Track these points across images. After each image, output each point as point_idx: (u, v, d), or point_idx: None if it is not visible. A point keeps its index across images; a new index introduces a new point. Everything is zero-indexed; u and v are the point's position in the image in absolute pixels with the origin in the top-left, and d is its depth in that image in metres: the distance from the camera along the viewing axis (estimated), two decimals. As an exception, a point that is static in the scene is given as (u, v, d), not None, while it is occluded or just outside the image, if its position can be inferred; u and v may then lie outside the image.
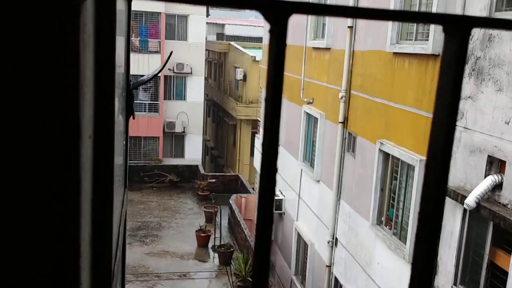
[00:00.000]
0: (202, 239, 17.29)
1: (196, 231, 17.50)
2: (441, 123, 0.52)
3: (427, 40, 7.43)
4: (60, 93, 0.42)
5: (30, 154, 0.44)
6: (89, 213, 0.60)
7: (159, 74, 24.88)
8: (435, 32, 7.11)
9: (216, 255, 16.49)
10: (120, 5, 1.25)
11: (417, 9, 7.88)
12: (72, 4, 0.41)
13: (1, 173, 0.43)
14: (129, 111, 1.57)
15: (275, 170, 0.49)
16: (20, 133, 0.44)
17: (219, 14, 43.50)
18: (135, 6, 23.78)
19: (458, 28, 0.50)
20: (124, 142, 1.58)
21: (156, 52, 25.12)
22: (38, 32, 0.41)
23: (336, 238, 10.67)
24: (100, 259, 0.72)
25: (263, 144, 0.48)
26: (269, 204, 0.50)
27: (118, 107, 1.36)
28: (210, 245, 17.34)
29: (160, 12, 25.01)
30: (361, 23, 9.69)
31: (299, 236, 12.95)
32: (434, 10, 7.13)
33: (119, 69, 1.39)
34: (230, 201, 18.80)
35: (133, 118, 1.66)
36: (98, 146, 0.62)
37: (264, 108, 0.50)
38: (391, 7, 8.31)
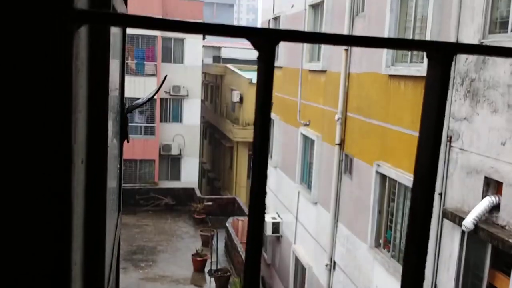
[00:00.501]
0: (199, 264, 17.09)
1: (192, 255, 17.31)
2: (426, 146, 0.53)
3: (422, 62, 7.53)
4: (52, 119, 0.43)
5: (21, 179, 0.44)
6: (81, 237, 0.60)
7: (154, 97, 25.00)
8: (429, 55, 7.19)
9: (213, 279, 16.28)
10: (115, 29, 1.27)
11: (411, 31, 8.00)
12: (65, 32, 0.42)
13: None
14: (123, 135, 1.58)
15: (264, 193, 0.50)
16: (11, 158, 0.44)
17: (216, 37, 43.96)
18: (131, 30, 24.05)
19: (441, 54, 0.51)
20: (118, 166, 1.58)
21: (152, 75, 25.28)
22: (31, 59, 0.42)
23: (334, 261, 10.58)
24: (93, 283, 0.71)
25: (253, 167, 0.49)
26: (259, 228, 0.50)
27: (112, 131, 1.37)
28: (206, 269, 17.13)
29: (156, 36, 25.28)
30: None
31: (296, 260, 12.83)
32: (428, 32, 7.24)
33: (114, 92, 1.41)
34: (227, 224, 18.67)
35: (127, 141, 1.66)
36: (91, 170, 0.63)
37: (253, 132, 0.51)
38: (386, 29, 8.44)
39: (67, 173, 0.48)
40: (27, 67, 0.42)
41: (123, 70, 1.66)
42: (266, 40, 0.47)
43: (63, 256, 0.47)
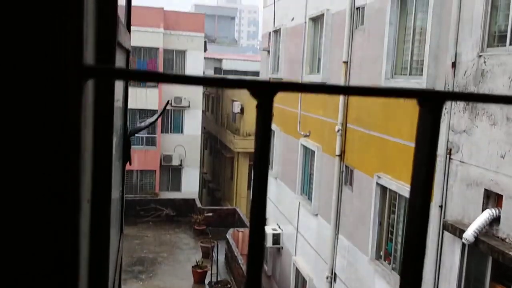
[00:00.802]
0: (199, 275, 17.02)
1: (193, 267, 17.24)
2: (418, 192, 0.55)
3: (421, 75, 7.57)
4: (61, 164, 0.45)
5: (30, 222, 0.46)
6: (86, 272, 0.63)
7: (156, 107, 25.06)
8: (429, 67, 7.25)
9: (213, 291, 16.20)
10: (118, 60, 1.30)
11: (410, 44, 8.05)
12: (75, 86, 0.45)
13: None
14: (126, 158, 1.60)
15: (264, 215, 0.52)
16: (20, 201, 0.47)
17: (217, 49, 44.23)
18: (133, 42, 24.17)
19: (432, 102, 0.54)
20: (121, 188, 1.61)
21: (154, 86, 25.38)
22: (43, 110, 0.44)
23: (335, 273, 10.54)
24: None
25: (251, 215, 0.51)
26: (260, 239, 0.52)
27: (115, 155, 1.39)
28: (206, 281, 17.05)
29: (158, 48, 25.42)
30: (356, 58, 9.87)
31: (297, 271, 12.78)
32: (427, 45, 7.29)
33: (118, 118, 1.44)
34: (227, 236, 18.61)
35: (130, 164, 1.68)
36: (95, 208, 0.65)
37: (252, 181, 0.54)
38: (385, 42, 8.50)
39: (75, 215, 0.50)
40: (38, 119, 0.45)
41: (127, 92, 1.69)
42: (264, 91, 0.50)
43: None
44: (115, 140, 1.36)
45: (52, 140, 0.46)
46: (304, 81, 12.59)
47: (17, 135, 0.45)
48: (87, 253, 0.62)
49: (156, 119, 2.61)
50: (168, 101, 3.52)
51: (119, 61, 1.27)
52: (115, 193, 1.35)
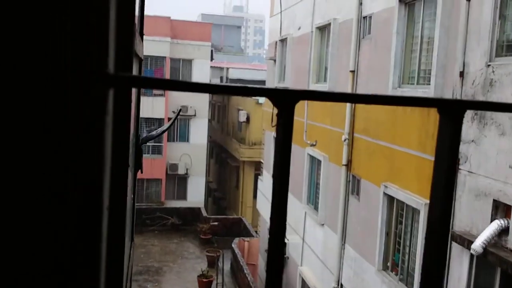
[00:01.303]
0: (204, 285, 16.95)
1: (198, 276, 17.19)
2: (438, 197, 0.55)
3: (429, 84, 7.56)
4: (86, 171, 0.45)
5: (58, 230, 0.46)
6: (104, 277, 0.63)
7: (162, 116, 25.16)
8: (437, 76, 7.23)
9: (219, 300, 16.13)
10: (134, 69, 1.31)
11: (418, 53, 8.05)
12: (100, 94, 0.45)
13: (25, 253, 0.46)
14: (137, 166, 1.61)
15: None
16: (45, 207, 0.47)
17: (223, 58, 44.43)
18: (141, 51, 24.33)
19: (452, 112, 0.54)
20: (132, 196, 1.61)
21: (160, 95, 25.51)
22: (67, 119, 0.45)
23: (341, 284, 10.46)
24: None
25: (270, 229, 0.51)
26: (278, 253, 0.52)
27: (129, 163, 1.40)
28: (212, 290, 16.98)
29: (165, 57, 25.58)
30: (363, 67, 9.88)
31: (303, 282, 12.70)
32: (435, 54, 7.28)
33: (131, 127, 1.44)
34: (233, 245, 18.55)
35: (141, 172, 1.69)
36: (112, 215, 0.65)
37: (272, 185, 0.54)
38: (392, 52, 8.50)
39: (98, 220, 0.50)
40: (64, 127, 0.45)
41: (139, 101, 1.70)
42: (285, 99, 0.50)
43: None
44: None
45: (77, 149, 0.46)
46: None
47: (43, 144, 0.45)
48: (105, 261, 0.62)
49: (169, 127, 2.62)
50: (181, 109, 3.55)
51: (134, 70, 1.28)
52: (128, 201, 1.36)
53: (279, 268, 0.50)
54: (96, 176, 0.47)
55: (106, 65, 0.46)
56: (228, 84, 0.49)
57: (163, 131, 2.73)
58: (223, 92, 0.49)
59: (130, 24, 0.76)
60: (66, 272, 0.47)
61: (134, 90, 1.43)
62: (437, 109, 0.56)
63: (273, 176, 0.52)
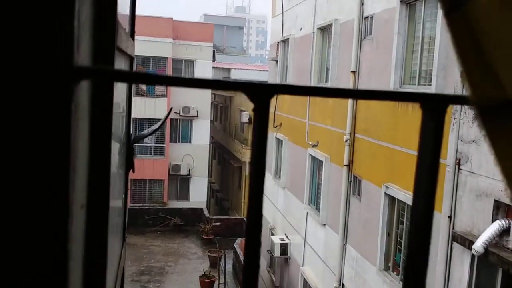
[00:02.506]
0: (206, 285, 16.95)
1: (200, 276, 17.18)
2: (420, 198, 0.54)
3: (430, 84, 7.53)
4: (48, 168, 0.44)
5: (19, 227, 0.45)
6: (80, 280, 0.61)
7: (163, 116, 25.14)
8: (438, 76, 7.21)
9: (221, 301, 16.11)
10: (122, 66, 1.30)
11: (419, 53, 8.02)
12: (65, 88, 0.44)
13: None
14: (129, 166, 1.60)
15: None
16: (8, 205, 0.46)
17: (225, 59, 44.45)
18: (142, 51, 24.37)
19: (435, 105, 0.52)
20: (123, 196, 1.60)
21: (162, 96, 25.53)
22: (31, 114, 0.44)
23: (343, 284, 10.44)
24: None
25: (247, 220, 0.50)
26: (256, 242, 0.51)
27: (118, 162, 1.38)
28: (214, 290, 16.97)
29: (167, 57, 25.59)
30: (364, 68, 9.86)
31: (305, 282, 12.67)
32: (436, 54, 7.25)
33: (121, 125, 1.43)
34: (235, 245, 18.55)
35: (133, 171, 1.68)
36: (92, 212, 0.64)
37: (249, 181, 0.52)
38: (394, 52, 8.48)
39: (63, 219, 0.49)
40: (26, 122, 0.44)
41: (130, 100, 1.69)
42: (261, 94, 0.49)
43: None
44: (118, 147, 1.35)
45: (40, 141, 0.45)
46: (312, 91, 12.59)
47: (3, 135, 0.44)
48: (82, 259, 0.61)
49: (160, 127, 2.61)
50: (171, 108, 3.54)
51: (122, 67, 1.27)
52: (117, 201, 1.34)
53: (257, 249, 0.49)
54: (61, 172, 0.45)
55: (71, 56, 0.45)
56: (199, 77, 0.48)
57: (154, 131, 2.72)
58: (195, 85, 0.48)
59: (111, 19, 0.74)
60: (27, 273, 0.46)
61: (123, 87, 1.42)
62: (420, 104, 0.54)
63: (250, 173, 0.51)
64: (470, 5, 0.49)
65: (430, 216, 0.57)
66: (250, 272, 0.49)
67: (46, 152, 0.44)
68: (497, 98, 0.51)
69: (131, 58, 1.51)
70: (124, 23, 1.35)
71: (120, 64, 1.18)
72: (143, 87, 25.55)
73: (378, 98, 0.52)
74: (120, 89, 1.35)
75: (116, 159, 1.26)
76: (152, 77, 0.46)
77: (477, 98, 0.51)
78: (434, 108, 0.52)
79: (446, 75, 7.09)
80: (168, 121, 25.69)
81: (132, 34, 1.58)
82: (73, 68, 0.44)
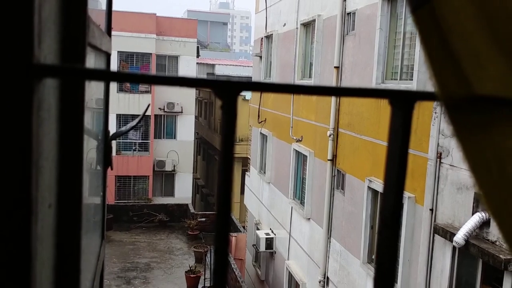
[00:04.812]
0: (192, 280, 16.94)
1: (186, 272, 17.17)
2: (390, 191, 0.54)
3: (412, 79, 7.60)
4: (8, 171, 0.43)
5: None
6: (50, 281, 0.60)
7: (149, 114, 25.00)
8: (419, 72, 7.28)
9: (207, 296, 16.12)
10: (98, 64, 1.28)
11: (400, 49, 8.09)
12: (24, 87, 0.43)
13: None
14: (107, 162, 1.58)
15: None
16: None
17: (210, 55, 44.27)
18: (126, 47, 24.14)
19: (403, 101, 0.52)
20: (102, 193, 1.58)
21: (146, 92, 25.33)
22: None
23: (328, 277, 10.52)
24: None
25: (216, 218, 0.49)
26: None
27: (96, 159, 1.37)
28: (200, 286, 16.97)
29: (151, 53, 25.39)
30: (347, 63, 9.91)
31: (290, 276, 12.75)
32: (417, 49, 7.32)
33: (98, 119, 1.41)
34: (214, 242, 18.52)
35: (111, 169, 1.67)
36: (62, 212, 0.63)
37: (217, 176, 0.52)
38: (376, 47, 8.53)
39: (26, 218, 0.48)
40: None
41: (108, 94, 1.66)
42: (227, 90, 0.48)
43: None
44: (94, 144, 1.34)
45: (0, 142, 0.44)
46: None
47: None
48: (53, 259, 0.60)
49: (137, 123, 2.60)
50: (149, 104, 3.52)
51: (97, 64, 1.25)
52: (94, 198, 1.33)
53: (226, 235, 0.49)
54: (22, 171, 0.44)
55: (31, 54, 0.44)
56: (166, 75, 0.47)
57: (132, 127, 2.71)
58: (162, 83, 0.48)
59: (81, 15, 0.73)
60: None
61: (100, 83, 1.40)
62: (388, 100, 0.55)
63: (218, 168, 0.51)
64: (437, 1, 0.50)
65: (399, 210, 0.57)
66: (220, 261, 0.49)
67: (5, 151, 0.43)
68: (465, 94, 0.51)
69: (107, 55, 1.49)
70: (100, 19, 1.33)
71: (94, 61, 1.16)
72: (127, 84, 25.31)
73: (348, 94, 0.53)
74: (97, 85, 1.33)
75: (92, 155, 1.24)
76: (114, 74, 0.45)
77: (445, 94, 0.52)
78: (402, 104, 0.52)
79: (428, 70, 7.16)
80: (152, 117, 25.54)
81: (108, 30, 1.56)
82: (33, 65, 0.43)
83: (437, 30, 0.50)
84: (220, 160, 0.52)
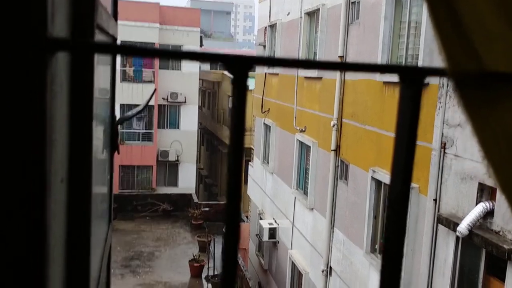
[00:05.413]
0: (196, 269, 17.05)
1: (190, 261, 17.28)
2: (398, 175, 0.55)
3: (416, 69, 7.55)
4: (23, 144, 0.44)
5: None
6: (61, 262, 0.61)
7: (153, 104, 25.00)
8: (424, 61, 7.24)
9: (210, 285, 16.24)
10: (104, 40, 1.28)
11: (405, 38, 8.04)
12: (39, 60, 0.43)
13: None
14: (113, 146, 1.59)
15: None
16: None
17: (213, 44, 44.12)
18: (129, 37, 24.07)
19: (412, 78, 0.53)
20: (109, 177, 1.59)
21: (150, 81, 25.32)
22: (3, 85, 0.43)
23: (331, 267, 10.57)
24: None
25: (227, 185, 0.50)
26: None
27: (103, 143, 1.37)
28: (203, 275, 17.09)
29: (154, 43, 25.33)
30: (352, 52, 9.86)
31: (293, 265, 12.81)
32: (422, 38, 7.27)
33: (105, 105, 1.42)
34: (224, 230, 18.63)
35: (118, 153, 1.67)
36: (73, 188, 0.63)
37: (227, 152, 0.53)
38: (380, 36, 8.48)
39: (40, 193, 0.48)
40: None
41: (114, 81, 1.67)
42: (239, 65, 0.49)
43: (39, 279, 0.47)
44: (102, 128, 1.34)
45: (15, 113, 0.44)
46: (300, 76, 12.57)
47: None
48: (63, 231, 0.61)
49: (143, 108, 2.61)
50: (155, 89, 3.53)
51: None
52: (102, 181, 1.34)
53: (237, 222, 0.49)
54: (37, 143, 0.45)
55: (45, 28, 0.44)
56: (175, 50, 0.48)
57: (138, 112, 2.72)
58: (174, 57, 0.48)
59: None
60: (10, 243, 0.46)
61: (107, 69, 1.40)
62: (399, 77, 0.55)
63: (228, 146, 0.51)
64: None
65: (407, 192, 0.58)
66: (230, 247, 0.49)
67: (20, 123, 0.43)
68: (474, 69, 0.51)
69: (113, 39, 1.50)
70: (106, 2, 1.33)
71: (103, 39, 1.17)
72: (131, 73, 25.31)
73: (359, 70, 0.53)
74: (103, 71, 1.33)
75: (100, 139, 1.25)
76: (127, 48, 0.45)
77: (454, 69, 0.52)
78: (412, 80, 0.52)
79: (432, 60, 7.12)
80: (155, 107, 25.54)
81: (114, 15, 1.56)
82: (47, 39, 0.43)
83: (446, 5, 0.50)
84: (231, 135, 0.53)
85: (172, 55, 0.49)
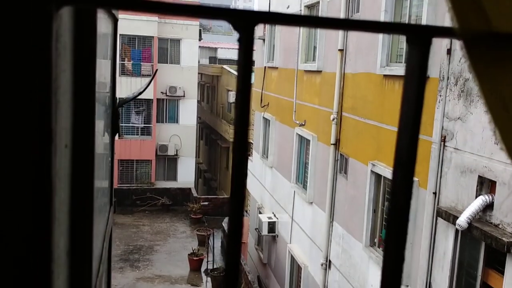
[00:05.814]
0: (195, 263, 17.09)
1: (189, 254, 17.31)
2: (405, 130, 0.54)
3: (416, 62, 7.54)
4: (29, 100, 0.43)
5: None
6: (66, 225, 0.61)
7: (151, 98, 24.95)
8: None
9: (209, 279, 16.28)
10: (106, 28, 1.27)
11: (407, 13, 8.00)
12: (44, 13, 0.42)
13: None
14: (115, 129, 1.58)
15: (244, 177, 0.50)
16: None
17: (212, 38, 44.00)
18: (128, 31, 23.99)
19: (420, 38, 0.52)
20: (110, 159, 1.59)
21: (148, 75, 25.24)
22: (8, 40, 0.42)
23: (330, 261, 10.59)
24: (79, 270, 0.71)
25: (234, 150, 0.49)
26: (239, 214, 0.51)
27: (104, 124, 1.37)
28: (203, 269, 17.13)
29: (153, 36, 25.25)
30: (352, 46, 9.84)
31: (292, 259, 12.84)
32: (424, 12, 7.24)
33: (105, 87, 1.41)
34: (223, 224, 18.68)
35: (119, 136, 1.66)
36: (76, 156, 0.63)
37: (234, 113, 0.52)
38: (380, 37, 8.44)
39: (47, 155, 0.48)
40: (3, 49, 0.43)
41: (115, 66, 1.66)
42: (245, 21, 0.48)
43: (43, 247, 0.46)
44: (103, 109, 1.34)
45: (19, 72, 0.44)
46: (300, 70, 12.55)
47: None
48: (67, 195, 0.60)
49: (144, 90, 2.60)
50: (157, 69, 3.53)
51: (107, 29, 1.25)
52: (104, 161, 1.33)
53: (240, 210, 0.48)
54: (42, 101, 0.44)
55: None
56: (178, 3, 0.47)
57: (140, 93, 2.73)
58: (177, 13, 0.47)
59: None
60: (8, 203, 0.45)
61: (107, 63, 1.39)
62: (406, 36, 0.54)
63: (235, 105, 0.50)
64: None
65: (414, 154, 0.57)
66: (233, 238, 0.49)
67: (26, 77, 0.43)
68: (483, 30, 0.51)
69: (115, 20, 1.49)
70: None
71: (105, 24, 1.16)
72: (129, 67, 25.23)
73: (364, 29, 0.52)
74: (104, 42, 1.32)
75: (102, 120, 1.24)
76: (128, 1, 0.44)
77: (463, 30, 0.51)
78: (419, 39, 0.52)
79: (432, 53, 7.10)
80: (154, 101, 25.49)
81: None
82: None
83: None
84: (236, 99, 0.52)
85: (174, 9, 0.48)
